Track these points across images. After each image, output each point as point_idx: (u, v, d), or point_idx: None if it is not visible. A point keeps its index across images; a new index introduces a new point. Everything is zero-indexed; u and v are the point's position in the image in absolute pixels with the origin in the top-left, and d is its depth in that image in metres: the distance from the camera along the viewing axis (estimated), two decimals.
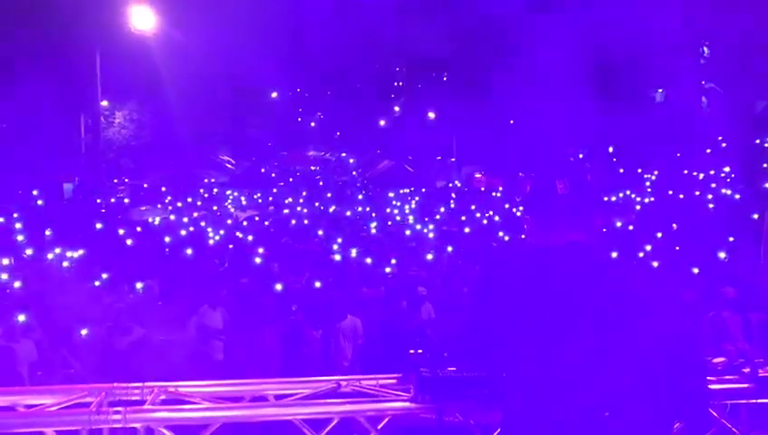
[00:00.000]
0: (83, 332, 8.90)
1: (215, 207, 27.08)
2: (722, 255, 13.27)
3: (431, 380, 2.69)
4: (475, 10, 28.68)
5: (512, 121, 37.46)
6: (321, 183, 38.14)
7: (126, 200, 27.26)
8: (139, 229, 19.32)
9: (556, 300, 2.07)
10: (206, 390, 2.93)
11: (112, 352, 8.66)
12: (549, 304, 2.07)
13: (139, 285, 11.89)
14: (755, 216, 15.02)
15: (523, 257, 2.26)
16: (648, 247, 14.50)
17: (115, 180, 32.96)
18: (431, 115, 43.50)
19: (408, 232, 19.73)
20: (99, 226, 19.09)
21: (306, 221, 22.23)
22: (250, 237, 16.84)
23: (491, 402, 2.60)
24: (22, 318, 8.72)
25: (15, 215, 19.84)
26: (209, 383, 2.99)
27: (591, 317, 2.04)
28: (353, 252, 15.16)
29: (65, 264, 13.55)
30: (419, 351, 2.96)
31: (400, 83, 52.79)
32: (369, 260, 13.62)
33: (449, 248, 16.24)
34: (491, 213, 21.39)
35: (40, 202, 24.40)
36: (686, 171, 28.51)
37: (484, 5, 28.51)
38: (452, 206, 26.75)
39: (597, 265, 2.16)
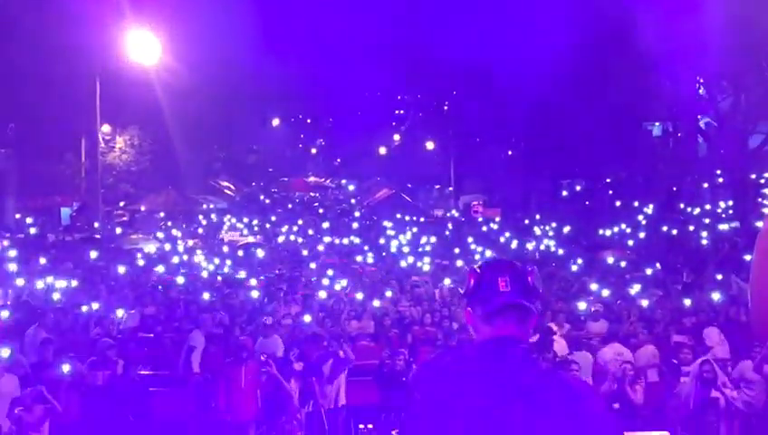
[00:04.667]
0: (65, 368, 8.74)
1: (220, 235, 27.24)
2: (715, 296, 13.20)
3: None
4: (476, 47, 28.93)
5: (510, 153, 37.65)
6: (320, 210, 38.24)
7: (118, 230, 27.22)
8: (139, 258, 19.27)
9: (478, 393, 2.14)
10: None
11: (90, 389, 8.58)
12: (472, 397, 2.14)
13: (120, 313, 11.81)
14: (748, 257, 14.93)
15: (459, 348, 2.32)
16: (638, 287, 14.45)
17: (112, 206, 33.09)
18: (430, 145, 43.68)
19: (403, 263, 19.71)
20: (93, 254, 19.08)
21: (306, 252, 22.22)
22: (242, 273, 16.77)
23: None
24: (5, 353, 8.60)
25: (6, 243, 19.85)
26: None
27: (524, 406, 2.11)
28: (343, 284, 15.14)
29: (56, 295, 13.47)
30: (369, 426, 2.93)
31: (401, 112, 53.08)
32: (359, 296, 13.55)
33: (446, 281, 16.15)
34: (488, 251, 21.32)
35: (33, 230, 24.41)
36: (681, 205, 28.56)
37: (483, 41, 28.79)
38: (447, 235, 26.79)
39: (522, 362, 2.21)
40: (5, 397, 8.22)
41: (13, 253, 17.29)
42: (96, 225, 27.38)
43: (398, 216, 32.15)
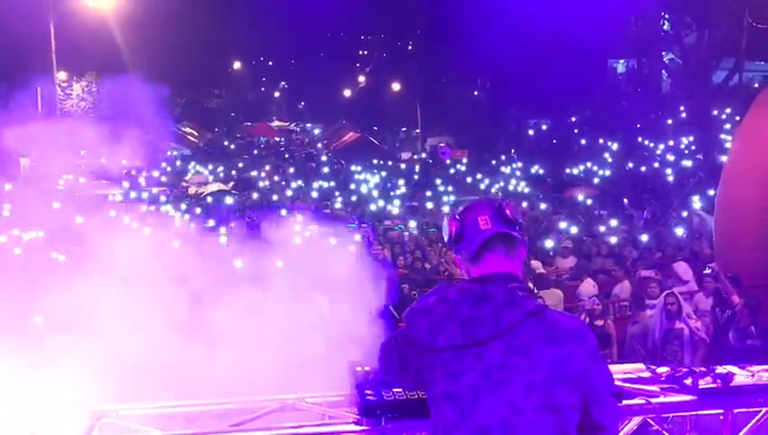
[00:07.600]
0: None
1: (183, 182, 26.66)
2: (679, 232, 13.50)
3: (375, 404, 2.65)
4: None
5: (476, 93, 37.47)
6: (285, 155, 37.76)
7: (81, 180, 26.43)
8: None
9: (458, 334, 2.18)
10: (146, 411, 2.89)
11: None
12: (452, 337, 2.18)
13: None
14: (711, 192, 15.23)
15: (447, 287, 2.32)
16: (614, 222, 14.70)
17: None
18: (396, 86, 43.12)
19: (372, 207, 19.70)
20: (56, 205, 18.57)
21: (276, 197, 22.00)
22: (211, 222, 16.54)
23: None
24: None
25: None
26: (149, 405, 2.95)
27: (503, 345, 2.15)
28: (312, 229, 15.05)
29: (16, 250, 13.11)
30: (366, 368, 2.92)
31: (365, 52, 52.04)
32: (333, 241, 13.48)
33: (412, 224, 16.23)
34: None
35: None
36: (646, 142, 28.87)
37: None
38: (416, 178, 26.77)
39: (505, 302, 2.19)
40: None
41: None
42: (63, 177, 26.57)
43: (368, 163, 31.88)
